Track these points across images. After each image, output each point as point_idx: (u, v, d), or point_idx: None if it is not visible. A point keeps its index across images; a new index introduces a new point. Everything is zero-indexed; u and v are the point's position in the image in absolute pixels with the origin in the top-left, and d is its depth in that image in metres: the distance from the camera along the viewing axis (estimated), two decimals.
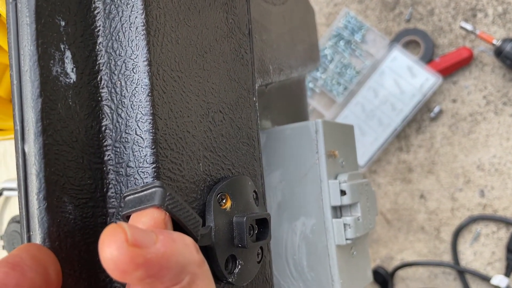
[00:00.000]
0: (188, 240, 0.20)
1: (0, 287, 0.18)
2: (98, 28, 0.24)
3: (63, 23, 0.22)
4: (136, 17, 0.23)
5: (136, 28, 0.23)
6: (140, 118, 0.23)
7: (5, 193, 0.46)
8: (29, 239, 0.21)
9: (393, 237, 0.93)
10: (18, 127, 0.21)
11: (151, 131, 0.23)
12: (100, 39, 0.24)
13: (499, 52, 0.80)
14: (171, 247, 0.18)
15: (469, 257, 0.86)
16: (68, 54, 0.22)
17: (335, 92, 0.95)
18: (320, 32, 1.00)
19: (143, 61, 0.23)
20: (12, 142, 0.49)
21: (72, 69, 0.23)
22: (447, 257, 0.88)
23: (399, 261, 0.92)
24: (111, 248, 0.17)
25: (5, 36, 0.34)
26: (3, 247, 0.47)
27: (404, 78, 0.89)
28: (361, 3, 0.96)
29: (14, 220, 0.46)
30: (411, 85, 0.88)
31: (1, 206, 0.49)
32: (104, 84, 0.24)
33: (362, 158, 0.92)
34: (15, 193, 0.46)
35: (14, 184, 0.46)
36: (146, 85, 0.23)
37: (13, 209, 0.49)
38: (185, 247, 0.19)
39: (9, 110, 0.44)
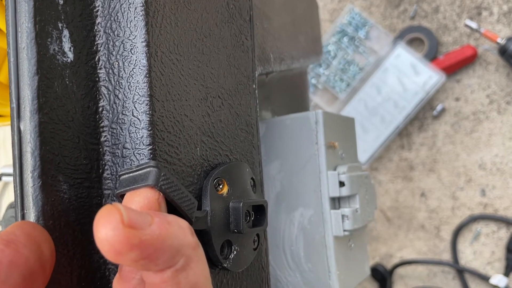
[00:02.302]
0: (183, 223, 0.20)
1: None
2: (97, 8, 0.24)
3: (61, 2, 0.22)
4: None
5: (135, 9, 0.23)
6: (137, 99, 0.23)
7: (4, 178, 0.46)
8: (23, 217, 0.21)
9: (393, 235, 0.92)
10: (14, 105, 0.21)
11: (148, 112, 0.23)
12: (98, 19, 0.24)
13: (503, 51, 0.80)
14: (166, 229, 0.18)
15: (468, 256, 0.86)
16: (66, 33, 0.22)
17: (337, 89, 0.95)
18: (324, 28, 1.00)
19: (141, 42, 0.23)
20: None
21: (70, 48, 0.22)
22: (447, 256, 0.87)
23: (399, 259, 0.91)
24: (106, 229, 0.17)
25: (4, 19, 0.34)
26: None
27: (407, 76, 0.89)
28: None
29: (12, 206, 0.46)
30: (414, 83, 0.88)
31: (0, 192, 0.49)
32: (102, 64, 0.24)
33: (363, 155, 0.92)
34: None
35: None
36: (143, 66, 0.23)
37: (12, 194, 0.49)
38: (180, 230, 0.19)
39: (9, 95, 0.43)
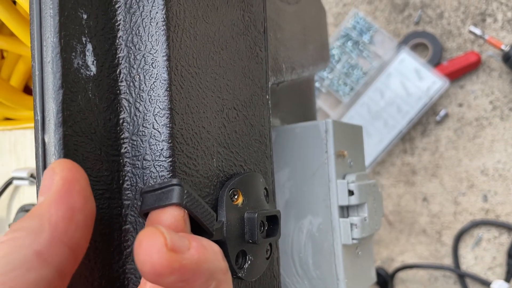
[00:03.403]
0: (216, 247, 0.20)
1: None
2: (119, 22, 0.24)
3: (85, 16, 0.23)
4: (157, 12, 0.24)
5: (157, 24, 0.24)
6: (158, 112, 0.23)
7: (15, 182, 0.46)
8: None
9: (395, 239, 0.93)
10: (39, 117, 0.22)
11: (168, 125, 0.23)
12: (120, 33, 0.24)
13: (507, 58, 0.80)
14: (203, 253, 0.19)
15: (470, 261, 0.86)
16: (89, 47, 0.23)
17: (341, 92, 0.95)
18: (329, 32, 1.00)
19: (163, 56, 0.23)
20: (22, 132, 0.49)
21: (93, 61, 0.23)
22: (448, 261, 0.88)
23: (400, 263, 0.92)
24: (150, 251, 0.17)
25: (20, 26, 0.35)
26: None
27: (411, 81, 0.89)
28: (371, 4, 0.96)
29: (23, 209, 0.46)
30: (418, 88, 0.88)
31: (11, 195, 0.50)
32: (123, 77, 0.24)
33: (366, 159, 0.92)
34: (25, 182, 0.46)
35: (24, 174, 0.46)
36: (164, 80, 0.23)
37: (22, 198, 0.49)
38: (214, 255, 0.20)
39: (20, 100, 0.44)
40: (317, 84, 0.98)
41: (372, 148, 0.93)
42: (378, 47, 0.94)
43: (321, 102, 0.98)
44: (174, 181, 0.21)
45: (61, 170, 0.19)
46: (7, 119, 0.45)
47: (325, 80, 0.96)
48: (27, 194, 0.48)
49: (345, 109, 0.95)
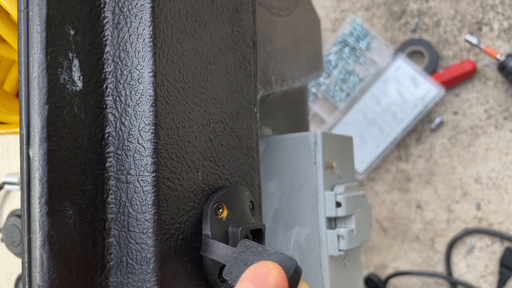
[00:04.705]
0: None
1: None
2: (106, 37, 0.25)
3: (72, 32, 0.23)
4: (144, 29, 0.24)
5: (143, 40, 0.24)
6: (142, 127, 0.24)
7: (6, 187, 0.46)
8: (29, 241, 0.21)
9: (388, 245, 0.93)
10: (24, 132, 0.22)
11: (152, 140, 0.23)
12: (107, 48, 0.25)
13: (502, 67, 0.80)
14: None
15: (462, 269, 0.87)
16: (76, 62, 0.23)
17: (337, 98, 0.96)
18: (326, 37, 1.01)
19: (149, 72, 0.24)
20: (15, 136, 0.50)
21: (79, 77, 0.23)
22: (441, 268, 0.88)
23: (393, 269, 0.92)
24: None
25: (12, 32, 0.35)
26: (1, 240, 0.47)
27: (407, 88, 0.90)
28: (368, 10, 0.97)
29: (13, 214, 0.47)
30: (414, 95, 0.89)
31: (2, 200, 0.50)
32: (109, 92, 0.24)
33: (361, 165, 0.93)
34: (16, 187, 0.47)
35: (15, 179, 0.46)
36: (150, 96, 0.24)
37: (13, 203, 0.50)
38: None
39: (13, 104, 0.44)
40: (313, 89, 0.98)
41: (367, 155, 0.93)
42: (374, 54, 0.94)
43: (317, 108, 0.98)
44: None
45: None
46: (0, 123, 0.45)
47: (321, 86, 0.97)
48: (18, 199, 0.48)
49: (341, 115, 0.96)
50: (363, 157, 0.93)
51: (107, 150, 0.24)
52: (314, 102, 0.99)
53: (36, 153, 0.21)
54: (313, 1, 1.02)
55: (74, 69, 0.23)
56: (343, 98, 0.95)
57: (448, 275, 0.86)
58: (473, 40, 0.83)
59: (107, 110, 0.24)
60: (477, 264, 0.85)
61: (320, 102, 0.98)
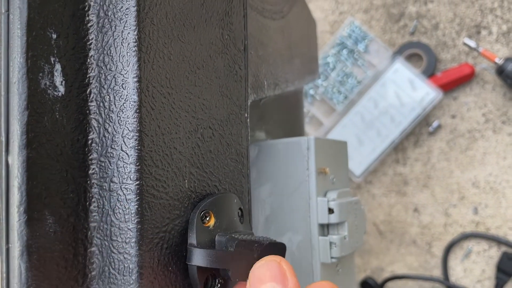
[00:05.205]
0: None
1: None
2: (91, 41, 0.24)
3: (54, 36, 0.22)
4: (129, 33, 0.23)
5: (128, 44, 0.23)
6: (126, 134, 0.23)
7: None
8: (7, 251, 0.21)
9: (385, 249, 0.93)
10: (3, 138, 0.21)
11: (136, 147, 0.23)
12: (92, 52, 0.24)
13: (500, 71, 0.80)
14: None
15: (459, 273, 0.86)
16: (58, 67, 0.22)
17: (335, 100, 0.95)
18: (324, 39, 1.00)
19: (133, 78, 0.23)
20: None
21: (61, 82, 0.23)
22: (437, 272, 0.88)
23: (390, 273, 0.92)
24: None
25: None
26: None
27: (404, 91, 0.89)
28: (367, 13, 0.96)
29: None
30: (411, 98, 0.88)
31: None
32: (93, 97, 0.24)
33: (358, 168, 0.92)
34: None
35: None
36: (134, 102, 0.23)
37: None
38: None
39: None
40: (311, 91, 0.97)
41: (365, 157, 0.92)
42: (373, 56, 0.93)
43: (314, 109, 0.98)
44: None
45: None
46: None
47: (319, 88, 0.96)
48: None
49: (339, 117, 0.95)
50: (361, 159, 0.93)
51: (90, 157, 0.24)
52: (311, 104, 0.98)
53: (15, 160, 0.21)
54: (311, 2, 1.02)
55: (56, 73, 0.22)
56: (341, 101, 0.95)
57: (445, 279, 0.86)
58: (472, 43, 0.82)
59: (91, 116, 0.24)
60: (474, 268, 0.85)
61: (318, 104, 0.98)
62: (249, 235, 0.28)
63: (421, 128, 0.90)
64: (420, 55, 0.90)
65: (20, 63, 0.21)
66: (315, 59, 0.49)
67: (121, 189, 0.23)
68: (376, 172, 0.94)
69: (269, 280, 0.22)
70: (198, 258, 0.24)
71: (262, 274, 0.23)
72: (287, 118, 0.49)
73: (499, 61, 0.80)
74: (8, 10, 0.21)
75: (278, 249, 0.26)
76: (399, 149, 0.92)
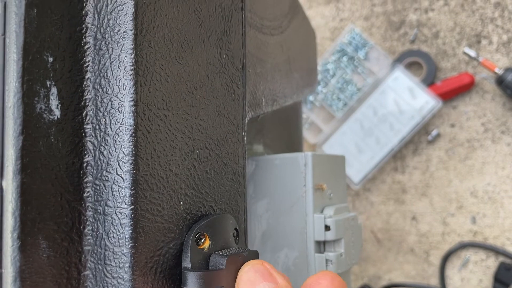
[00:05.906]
0: None
1: None
2: (87, 64, 0.24)
3: (51, 59, 0.22)
4: (126, 56, 0.23)
5: (125, 68, 0.23)
6: (121, 158, 0.23)
7: None
8: (0, 276, 0.21)
9: (383, 257, 0.92)
10: None
11: (131, 172, 0.23)
12: (88, 75, 0.24)
13: (500, 81, 0.80)
14: None
15: (456, 282, 0.86)
16: (54, 90, 0.22)
17: (334, 107, 0.95)
18: (324, 46, 1.00)
19: (129, 101, 0.23)
20: None
21: (57, 105, 0.22)
22: (435, 281, 0.88)
23: (387, 281, 0.92)
24: None
25: None
26: None
27: (404, 99, 0.89)
28: (367, 20, 0.96)
29: None
30: (411, 107, 0.88)
31: None
32: (89, 120, 0.24)
33: (357, 175, 0.92)
34: None
35: None
36: (130, 126, 0.23)
37: None
38: None
39: None
40: (311, 98, 0.97)
41: (363, 165, 0.92)
42: (373, 64, 0.93)
43: (314, 116, 0.98)
44: None
45: None
46: None
47: (319, 94, 0.96)
48: None
49: (338, 124, 0.95)
50: (359, 167, 0.92)
51: (85, 180, 0.23)
52: (311, 111, 0.98)
53: (10, 185, 0.21)
54: (312, 9, 1.02)
55: (51, 97, 0.22)
56: (340, 108, 0.95)
57: None
58: (472, 53, 0.82)
59: (86, 139, 0.24)
60: (471, 278, 0.85)
61: (317, 111, 0.98)
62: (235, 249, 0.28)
63: (420, 137, 0.90)
64: (420, 64, 0.90)
65: (15, 88, 0.21)
66: (314, 70, 0.49)
67: (115, 213, 0.23)
68: (375, 180, 0.94)
69: (261, 281, 0.23)
70: (193, 282, 0.24)
71: (252, 277, 0.24)
72: (285, 131, 0.49)
73: (499, 71, 0.80)
74: (4, 34, 0.21)
75: (255, 255, 0.28)
76: (398, 157, 0.92)
